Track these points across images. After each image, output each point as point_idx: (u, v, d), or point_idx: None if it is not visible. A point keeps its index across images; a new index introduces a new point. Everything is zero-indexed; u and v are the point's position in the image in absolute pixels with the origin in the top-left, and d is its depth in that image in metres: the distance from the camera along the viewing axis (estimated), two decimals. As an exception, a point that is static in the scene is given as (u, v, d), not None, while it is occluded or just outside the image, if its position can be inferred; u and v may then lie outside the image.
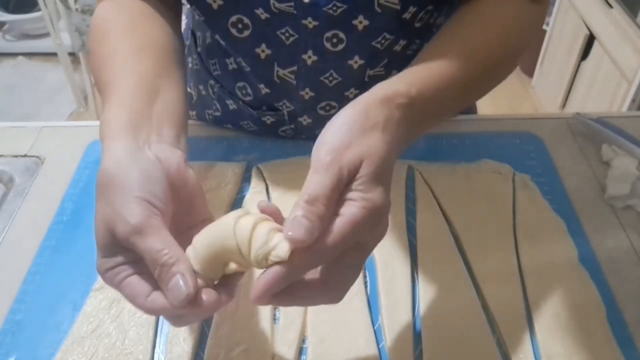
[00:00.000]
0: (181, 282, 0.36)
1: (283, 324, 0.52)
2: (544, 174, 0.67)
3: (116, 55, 0.49)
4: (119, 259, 0.38)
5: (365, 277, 0.56)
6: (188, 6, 0.61)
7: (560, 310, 0.53)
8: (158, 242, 0.37)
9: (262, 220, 0.37)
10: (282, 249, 0.35)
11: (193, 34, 0.72)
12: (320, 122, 0.67)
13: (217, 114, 0.72)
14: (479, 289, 0.55)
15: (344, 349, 0.50)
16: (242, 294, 0.54)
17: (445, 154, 0.69)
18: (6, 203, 0.65)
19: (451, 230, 0.60)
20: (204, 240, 0.38)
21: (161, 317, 0.53)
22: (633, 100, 1.56)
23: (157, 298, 0.37)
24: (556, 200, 0.64)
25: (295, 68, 0.60)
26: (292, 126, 0.69)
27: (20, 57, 2.65)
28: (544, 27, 2.13)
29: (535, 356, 0.50)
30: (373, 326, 0.52)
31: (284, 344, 0.50)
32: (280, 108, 0.66)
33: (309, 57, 0.59)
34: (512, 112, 2.22)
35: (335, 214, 0.36)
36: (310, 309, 0.53)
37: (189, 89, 0.77)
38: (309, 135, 0.70)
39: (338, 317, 0.52)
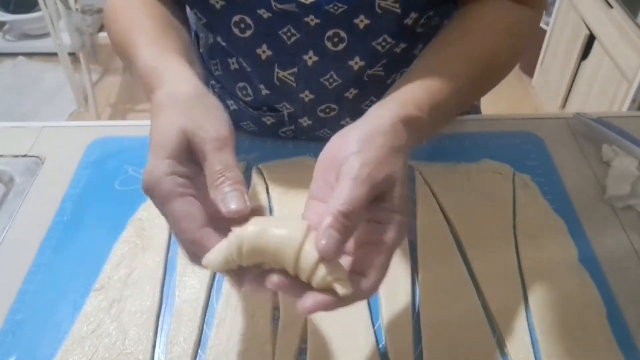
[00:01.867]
0: (241, 199, 0.37)
1: (283, 324, 0.52)
2: (544, 174, 0.67)
3: (146, 27, 0.50)
4: (185, 169, 0.38)
5: (365, 277, 0.56)
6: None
7: (560, 310, 0.53)
8: (231, 159, 0.39)
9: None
10: (344, 290, 0.36)
11: (196, 34, 0.72)
12: (320, 124, 0.67)
13: None
14: (479, 289, 0.55)
15: (344, 349, 0.50)
16: (242, 294, 0.54)
17: (445, 154, 0.69)
18: (6, 203, 0.65)
19: (451, 230, 0.60)
20: (258, 231, 0.36)
21: (161, 317, 0.53)
22: (633, 100, 1.56)
23: (211, 235, 0.37)
24: (556, 200, 0.64)
25: (295, 70, 0.60)
26: (292, 127, 0.69)
27: (20, 57, 2.65)
28: (544, 27, 2.13)
29: (535, 356, 0.50)
30: (373, 326, 0.52)
31: (284, 344, 0.50)
32: (281, 109, 0.66)
33: (310, 57, 0.59)
34: (512, 112, 2.22)
35: (372, 241, 0.38)
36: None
37: None
38: (309, 136, 0.70)
39: (338, 317, 0.52)
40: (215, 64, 0.67)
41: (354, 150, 0.39)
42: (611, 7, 1.68)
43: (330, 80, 0.61)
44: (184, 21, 0.58)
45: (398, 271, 0.56)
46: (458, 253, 0.58)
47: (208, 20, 0.59)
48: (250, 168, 0.68)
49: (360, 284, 0.37)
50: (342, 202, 0.36)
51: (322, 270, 0.36)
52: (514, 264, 0.57)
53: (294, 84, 0.62)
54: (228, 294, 0.54)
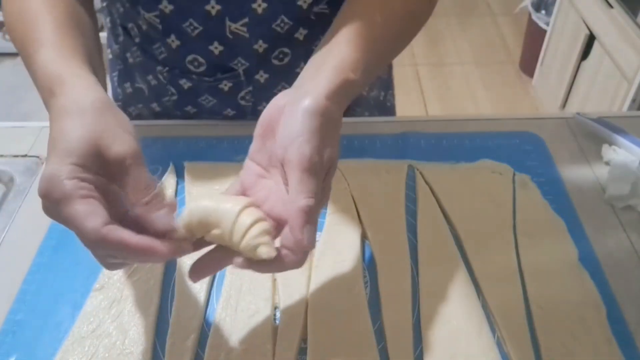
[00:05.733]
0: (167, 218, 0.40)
1: (283, 324, 0.52)
2: (544, 174, 0.67)
3: (48, 27, 0.49)
4: (91, 177, 0.38)
5: (365, 277, 0.56)
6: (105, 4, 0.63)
7: (560, 310, 0.53)
8: (147, 174, 0.40)
9: (259, 220, 0.41)
10: (267, 252, 0.40)
11: (124, 28, 0.71)
12: (276, 77, 0.69)
13: (174, 97, 0.73)
14: (479, 288, 0.55)
15: (344, 349, 0.50)
16: (241, 294, 0.54)
17: (445, 154, 0.69)
18: (6, 203, 0.65)
19: (451, 230, 0.60)
20: (206, 205, 0.41)
21: (161, 317, 0.53)
22: (633, 100, 1.56)
23: (117, 228, 0.37)
24: (556, 200, 0.64)
25: (247, 19, 0.62)
26: (251, 88, 0.70)
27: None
28: (544, 27, 2.13)
29: (535, 356, 0.50)
30: (373, 326, 0.52)
31: (284, 344, 0.50)
32: (236, 67, 0.67)
33: (259, 5, 0.60)
34: (512, 112, 2.22)
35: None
36: (311, 309, 0.53)
37: (138, 84, 0.76)
38: (269, 97, 0.70)
39: (338, 317, 0.52)
40: (158, 48, 0.68)
41: (299, 134, 0.41)
42: (611, 7, 1.68)
43: (282, 24, 0.63)
44: (91, 17, 0.56)
45: (398, 271, 0.56)
46: (458, 253, 0.58)
47: None
48: (250, 168, 0.68)
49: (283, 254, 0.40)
50: (306, 195, 0.39)
51: (248, 235, 0.40)
52: (514, 263, 0.57)
53: (247, 35, 0.63)
54: (228, 294, 0.54)
